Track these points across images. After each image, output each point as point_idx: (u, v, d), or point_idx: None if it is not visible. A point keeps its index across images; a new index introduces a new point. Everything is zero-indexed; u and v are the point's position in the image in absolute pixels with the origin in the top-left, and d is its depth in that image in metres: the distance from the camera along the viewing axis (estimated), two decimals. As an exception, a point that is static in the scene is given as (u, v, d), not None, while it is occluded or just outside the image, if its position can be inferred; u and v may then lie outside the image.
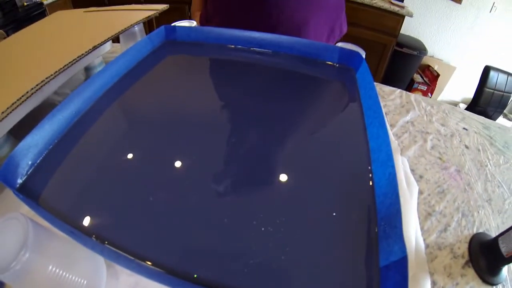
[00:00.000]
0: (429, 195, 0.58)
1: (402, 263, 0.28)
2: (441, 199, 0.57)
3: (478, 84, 2.14)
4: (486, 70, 2.09)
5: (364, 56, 0.62)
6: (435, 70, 2.96)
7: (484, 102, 2.13)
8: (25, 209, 0.44)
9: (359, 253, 0.33)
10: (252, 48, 0.69)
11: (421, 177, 0.61)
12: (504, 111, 2.24)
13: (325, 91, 0.63)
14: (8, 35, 0.83)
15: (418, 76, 3.04)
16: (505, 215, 0.56)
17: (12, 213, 0.31)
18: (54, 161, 0.42)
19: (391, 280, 0.28)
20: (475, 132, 0.77)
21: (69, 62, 0.57)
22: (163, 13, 0.81)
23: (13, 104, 0.47)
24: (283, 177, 0.42)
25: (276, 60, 0.68)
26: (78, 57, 0.58)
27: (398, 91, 0.90)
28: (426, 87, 2.94)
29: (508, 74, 2.09)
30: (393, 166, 0.37)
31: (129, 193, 0.38)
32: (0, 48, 0.69)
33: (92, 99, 0.51)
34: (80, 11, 0.89)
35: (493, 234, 0.52)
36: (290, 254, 0.32)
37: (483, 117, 0.85)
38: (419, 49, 2.73)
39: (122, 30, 0.69)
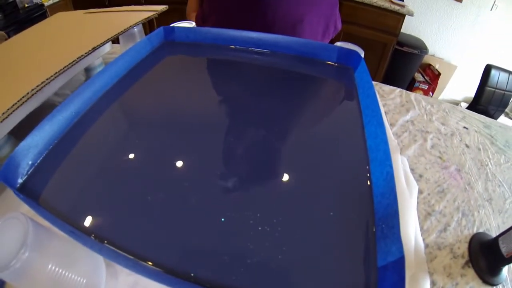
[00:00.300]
0: (429, 194, 0.57)
1: (399, 264, 0.28)
2: (441, 199, 0.57)
3: (479, 83, 2.13)
4: (488, 68, 2.09)
5: (362, 55, 0.62)
6: (436, 69, 2.96)
7: (486, 101, 2.13)
8: (25, 208, 0.44)
9: (356, 253, 0.33)
10: (250, 48, 0.70)
11: (421, 176, 0.61)
12: (506, 110, 2.24)
13: (323, 90, 0.63)
14: (9, 37, 0.83)
15: (419, 75, 3.04)
16: (506, 214, 0.56)
17: (13, 213, 0.31)
18: (54, 161, 0.42)
19: (388, 280, 0.28)
20: (476, 131, 0.77)
21: (69, 63, 0.57)
22: (162, 14, 0.81)
23: (13, 105, 0.47)
24: (281, 177, 0.42)
25: (275, 60, 0.68)
26: (78, 58, 0.58)
27: (398, 90, 0.90)
28: (427, 86, 2.94)
29: (510, 72, 2.08)
30: (391, 166, 0.37)
31: (128, 193, 0.39)
32: (1, 50, 0.70)
33: (92, 100, 0.51)
34: (80, 12, 0.89)
35: (494, 234, 0.52)
36: (287, 254, 0.33)
37: (483, 116, 0.85)
38: (420, 48, 2.72)
39: (121, 31, 0.69)
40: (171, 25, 0.71)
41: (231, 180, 0.41)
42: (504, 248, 0.45)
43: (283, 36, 0.67)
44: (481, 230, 0.53)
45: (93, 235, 0.33)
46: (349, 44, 0.65)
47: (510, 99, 2.12)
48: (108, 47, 0.82)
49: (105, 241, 0.32)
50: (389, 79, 2.78)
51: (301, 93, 0.59)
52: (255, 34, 0.68)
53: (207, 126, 0.50)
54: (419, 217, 0.53)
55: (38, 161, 0.41)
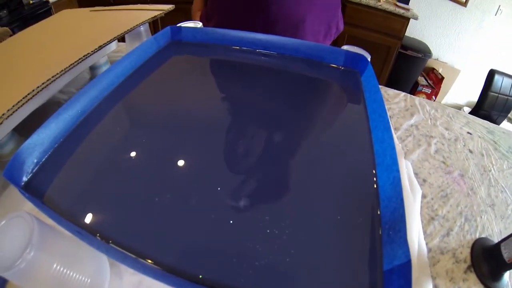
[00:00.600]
0: (432, 199, 0.57)
1: (406, 268, 0.28)
2: (444, 204, 0.57)
3: (483, 88, 2.13)
4: (491, 73, 2.09)
5: (369, 59, 0.62)
6: (440, 73, 2.96)
7: (489, 106, 2.12)
8: (28, 207, 0.44)
9: (362, 256, 0.33)
10: (257, 50, 0.70)
11: (424, 181, 0.61)
12: (509, 115, 2.23)
13: (330, 93, 0.63)
14: (13, 33, 0.83)
15: (423, 78, 3.03)
16: (508, 220, 0.56)
17: (18, 212, 0.31)
18: (59, 159, 0.42)
19: (394, 284, 0.28)
20: (479, 137, 0.77)
21: (75, 61, 0.57)
22: (167, 13, 0.81)
23: (19, 101, 0.48)
24: (289, 180, 0.42)
25: (281, 62, 0.68)
26: (84, 56, 0.58)
27: (402, 94, 0.90)
28: (430, 90, 2.93)
29: (513, 78, 2.09)
30: (397, 170, 0.37)
31: (134, 192, 0.39)
32: (6, 46, 0.70)
33: (98, 99, 0.51)
34: (86, 10, 0.89)
35: (496, 239, 0.52)
36: (295, 256, 0.33)
37: (487, 122, 0.84)
38: (424, 51, 2.72)
39: (128, 29, 0.69)
40: (178, 25, 0.71)
41: (240, 182, 0.41)
42: (506, 254, 0.45)
43: (290, 38, 0.67)
44: (483, 236, 0.53)
45: (98, 234, 0.33)
46: (355, 47, 0.65)
47: (513, 104, 2.12)
48: (114, 45, 0.82)
49: (110, 241, 0.32)
50: (392, 82, 2.78)
51: (308, 96, 0.59)
52: (263, 36, 0.68)
53: (214, 127, 0.50)
54: (422, 221, 0.53)
55: (43, 159, 0.41)
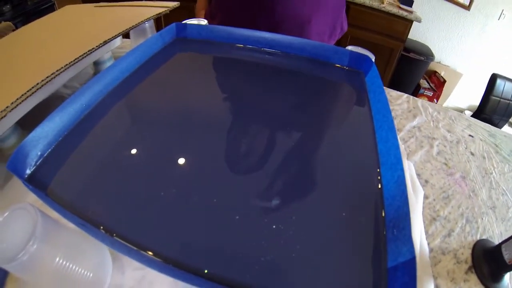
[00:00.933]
0: (434, 200, 0.58)
1: (410, 265, 0.28)
2: (446, 205, 0.57)
3: (485, 92, 2.13)
4: (493, 77, 2.08)
5: (373, 59, 0.62)
6: (442, 76, 2.96)
7: (490, 110, 2.12)
8: (31, 199, 0.44)
9: (367, 253, 0.33)
10: (262, 48, 0.70)
11: (426, 182, 0.61)
12: (510, 119, 2.23)
13: (334, 93, 0.63)
14: (16, 28, 0.83)
15: (425, 81, 3.03)
16: (509, 223, 0.56)
17: (21, 203, 0.31)
18: (63, 153, 0.42)
19: (399, 281, 0.28)
20: (481, 140, 0.77)
21: (80, 56, 0.57)
22: (171, 11, 0.82)
23: (23, 95, 0.48)
24: (294, 178, 0.42)
25: (286, 61, 0.68)
26: (88, 51, 0.59)
27: (405, 96, 0.90)
28: (432, 93, 2.93)
29: (515, 82, 2.08)
30: (402, 169, 0.37)
31: (138, 187, 0.38)
32: (10, 40, 0.70)
33: (102, 93, 0.51)
34: (90, 6, 0.89)
35: (496, 241, 0.52)
36: (300, 252, 0.33)
37: (489, 125, 0.85)
38: (426, 54, 2.72)
39: (133, 25, 0.69)
40: (183, 22, 0.71)
41: (245, 179, 0.41)
42: (507, 255, 0.45)
43: (296, 37, 0.67)
44: (484, 237, 0.53)
45: (102, 227, 0.33)
46: (359, 48, 0.65)
47: (514, 108, 2.12)
48: (118, 41, 0.82)
49: (114, 234, 0.32)
50: (394, 85, 2.78)
51: (312, 95, 0.59)
52: (268, 34, 0.68)
53: (217, 124, 0.50)
54: (424, 222, 0.53)
55: (47, 152, 0.41)
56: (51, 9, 2.34)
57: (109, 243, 0.34)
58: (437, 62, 3.04)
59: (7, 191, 0.50)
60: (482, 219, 0.56)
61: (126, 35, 0.73)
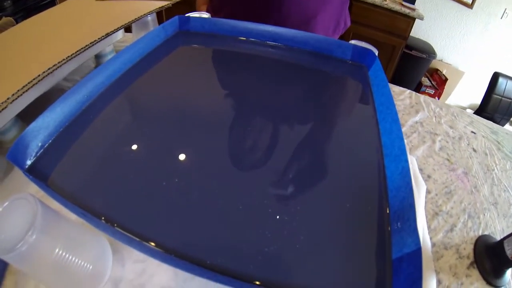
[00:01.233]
0: (436, 195, 0.57)
1: (415, 255, 0.28)
2: (448, 200, 0.57)
3: (486, 90, 2.13)
4: (495, 76, 2.08)
5: (377, 54, 0.62)
6: (444, 74, 2.95)
7: (492, 109, 2.12)
8: (32, 191, 0.44)
9: (372, 245, 0.33)
10: (265, 42, 0.69)
11: (429, 177, 0.61)
12: (511, 118, 2.23)
13: (337, 87, 0.63)
14: (17, 23, 0.83)
15: (426, 79, 3.03)
16: (511, 219, 0.56)
17: (21, 193, 0.30)
18: (64, 144, 0.42)
19: (404, 272, 0.28)
20: (483, 136, 0.77)
21: (81, 48, 0.57)
22: (173, 5, 0.81)
23: (24, 86, 0.47)
24: (298, 169, 0.42)
25: (289, 54, 0.68)
26: (91, 43, 0.58)
27: (408, 91, 0.90)
28: (433, 91, 2.93)
29: (517, 81, 2.08)
30: (406, 160, 0.37)
31: (139, 177, 0.38)
32: (12, 33, 0.69)
33: (104, 85, 0.51)
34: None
35: (498, 237, 0.52)
36: (304, 243, 0.32)
37: (491, 122, 0.85)
38: (428, 52, 2.72)
39: (135, 18, 0.69)
40: (186, 15, 0.71)
41: (249, 170, 0.41)
42: (509, 251, 0.45)
43: (299, 31, 0.67)
44: (486, 233, 0.53)
45: (103, 218, 0.33)
46: (363, 43, 0.64)
47: (516, 107, 2.12)
48: (120, 34, 0.82)
49: (115, 224, 0.32)
50: (396, 82, 2.75)
51: (315, 89, 0.59)
52: (271, 28, 0.68)
53: (218, 116, 0.50)
54: (426, 216, 0.53)
55: (48, 143, 0.41)
56: (52, 4, 2.33)
57: (110, 233, 0.33)
58: (439, 60, 3.03)
59: (7, 184, 0.50)
60: (484, 215, 0.56)
61: (128, 29, 0.72)
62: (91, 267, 0.35)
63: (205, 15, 0.72)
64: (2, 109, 0.44)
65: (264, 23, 0.68)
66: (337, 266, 0.31)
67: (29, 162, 0.38)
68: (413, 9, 2.42)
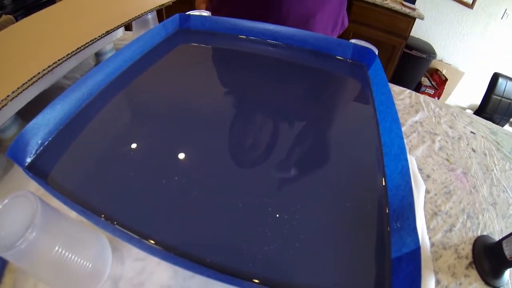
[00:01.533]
0: (435, 194, 0.58)
1: (415, 254, 0.28)
2: (447, 200, 0.57)
3: (486, 91, 2.13)
4: (495, 77, 2.08)
5: (377, 53, 0.62)
6: (443, 75, 2.95)
7: (491, 109, 2.12)
8: (31, 189, 0.44)
9: (371, 244, 0.33)
10: (266, 40, 0.69)
11: (428, 176, 0.61)
12: (511, 119, 2.23)
13: (337, 86, 0.63)
14: (17, 21, 0.83)
15: (426, 79, 3.03)
16: (509, 220, 0.57)
17: (21, 191, 0.30)
18: (64, 141, 0.42)
19: (403, 271, 0.28)
20: (482, 137, 0.77)
21: (81, 46, 0.57)
22: (173, 4, 0.81)
23: (24, 84, 0.47)
24: (298, 168, 0.42)
25: (289, 53, 0.68)
26: (91, 41, 0.58)
27: (407, 91, 0.90)
28: (433, 91, 2.93)
29: (517, 81, 2.08)
30: (406, 159, 0.37)
31: (139, 175, 0.38)
32: (12, 31, 0.69)
33: (104, 82, 0.51)
34: (91, -3, 0.88)
35: (497, 237, 0.52)
36: (304, 242, 0.33)
37: (490, 122, 0.85)
38: (428, 52, 2.72)
39: (136, 16, 0.69)
40: (187, 13, 0.71)
41: (249, 168, 0.41)
42: (508, 251, 0.45)
43: (299, 29, 0.67)
44: (485, 233, 0.53)
45: (103, 216, 0.33)
46: (363, 42, 0.64)
47: (516, 108, 2.12)
48: (120, 32, 0.82)
49: (115, 222, 0.32)
50: (396, 82, 2.74)
51: (315, 88, 0.59)
52: (271, 26, 0.68)
53: (219, 114, 0.50)
54: (425, 216, 0.53)
55: (48, 140, 0.41)
56: (51, 2, 2.31)
57: (110, 231, 0.33)
58: (439, 60, 3.03)
59: (7, 182, 0.50)
60: (483, 215, 0.56)
61: (128, 27, 0.72)
62: (90, 265, 0.35)
63: (205, 13, 0.72)
64: (2, 107, 0.44)
65: (265, 22, 0.68)
66: (337, 264, 0.31)
67: (29, 160, 0.38)
68: (414, 9, 2.42)
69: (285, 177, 0.40)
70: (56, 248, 0.31)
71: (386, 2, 2.39)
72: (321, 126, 0.51)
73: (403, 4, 2.45)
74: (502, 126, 2.20)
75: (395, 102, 0.81)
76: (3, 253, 0.27)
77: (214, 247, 0.31)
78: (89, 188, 0.37)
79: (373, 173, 0.41)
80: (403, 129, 0.73)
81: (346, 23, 1.02)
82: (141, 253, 0.41)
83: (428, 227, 0.51)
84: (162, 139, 0.44)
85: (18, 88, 0.47)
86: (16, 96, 0.46)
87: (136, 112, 0.49)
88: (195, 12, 0.72)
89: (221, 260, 0.30)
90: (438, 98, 2.97)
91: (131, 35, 0.89)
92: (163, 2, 0.77)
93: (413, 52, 2.71)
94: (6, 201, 0.30)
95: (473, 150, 0.72)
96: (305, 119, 0.51)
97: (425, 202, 0.55)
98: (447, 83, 2.90)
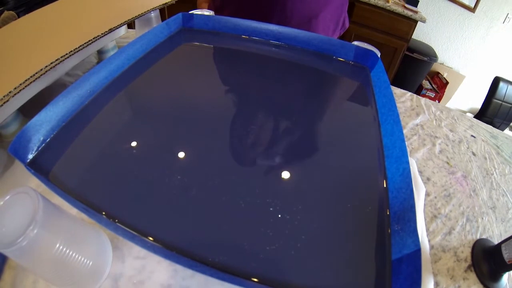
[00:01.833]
0: (435, 197, 0.58)
1: (415, 256, 0.28)
2: (447, 203, 0.57)
3: (487, 95, 2.13)
4: (496, 81, 2.08)
5: (379, 55, 0.62)
6: (444, 78, 2.95)
7: (492, 113, 2.12)
8: (32, 185, 0.44)
9: (372, 245, 0.33)
10: (268, 41, 0.69)
11: (428, 179, 0.61)
12: (511, 123, 2.23)
13: (339, 88, 0.63)
14: (19, 17, 0.83)
15: (427, 82, 3.03)
16: (508, 224, 0.57)
17: (23, 187, 0.30)
18: (65, 138, 0.42)
19: (403, 272, 0.28)
20: (483, 140, 0.77)
21: (84, 43, 0.57)
22: (176, 3, 0.81)
23: (26, 80, 0.47)
24: (300, 169, 0.42)
25: (292, 53, 0.68)
26: (93, 38, 0.58)
27: (409, 94, 0.90)
28: (434, 94, 2.93)
29: (518, 86, 2.08)
30: (407, 162, 0.37)
31: (141, 174, 0.38)
32: (14, 27, 0.69)
33: (107, 80, 0.51)
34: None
35: (496, 241, 0.52)
36: (305, 242, 0.33)
37: (491, 126, 0.85)
38: (430, 55, 2.71)
39: (139, 14, 0.69)
40: (190, 12, 0.71)
41: (251, 167, 0.42)
42: (506, 255, 0.45)
43: (302, 30, 0.67)
44: (484, 237, 0.53)
45: (104, 213, 0.33)
46: (365, 44, 0.64)
47: (516, 112, 2.12)
48: (123, 30, 0.82)
49: (116, 220, 0.32)
50: (397, 84, 2.74)
51: (317, 89, 0.59)
52: (274, 27, 0.68)
53: (221, 113, 0.50)
54: (425, 219, 0.53)
55: (50, 137, 0.41)
56: (54, -1, 2.32)
57: (112, 229, 0.33)
58: (440, 63, 3.03)
59: (8, 178, 0.50)
60: (482, 218, 0.56)
61: (131, 25, 0.72)
62: (91, 263, 0.35)
63: (208, 12, 0.72)
64: (4, 103, 0.44)
65: (266, 22, 0.68)
66: (337, 265, 0.32)
67: (30, 156, 0.38)
68: (416, 12, 2.41)
69: (287, 178, 0.40)
70: (57, 245, 0.31)
71: (388, 4, 2.39)
72: (323, 127, 0.51)
73: (405, 7, 2.45)
74: (503, 130, 2.20)
75: (396, 104, 0.82)
76: (4, 249, 0.26)
77: (216, 246, 0.31)
78: (90, 185, 0.37)
79: (374, 175, 0.41)
80: (404, 131, 0.73)
81: (347, 24, 1.03)
82: (141, 252, 0.41)
83: (427, 230, 0.51)
84: (164, 137, 0.44)
85: (20, 84, 0.46)
86: (18, 92, 0.46)
87: (138, 110, 0.49)
88: (198, 12, 0.72)
89: (222, 259, 0.30)
90: (439, 101, 2.97)
91: (133, 33, 0.89)
92: (166, 1, 0.77)
93: (415, 55, 2.71)
94: (7, 197, 0.29)
95: (473, 154, 0.72)
96: (307, 120, 0.51)
97: (425, 205, 0.56)
98: (448, 86, 2.90)
